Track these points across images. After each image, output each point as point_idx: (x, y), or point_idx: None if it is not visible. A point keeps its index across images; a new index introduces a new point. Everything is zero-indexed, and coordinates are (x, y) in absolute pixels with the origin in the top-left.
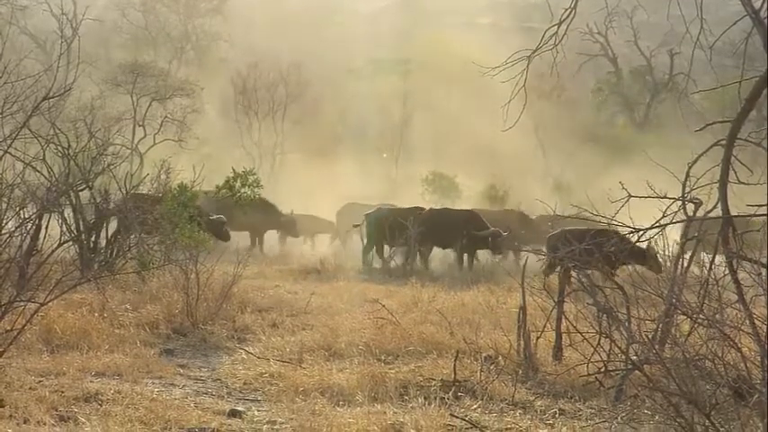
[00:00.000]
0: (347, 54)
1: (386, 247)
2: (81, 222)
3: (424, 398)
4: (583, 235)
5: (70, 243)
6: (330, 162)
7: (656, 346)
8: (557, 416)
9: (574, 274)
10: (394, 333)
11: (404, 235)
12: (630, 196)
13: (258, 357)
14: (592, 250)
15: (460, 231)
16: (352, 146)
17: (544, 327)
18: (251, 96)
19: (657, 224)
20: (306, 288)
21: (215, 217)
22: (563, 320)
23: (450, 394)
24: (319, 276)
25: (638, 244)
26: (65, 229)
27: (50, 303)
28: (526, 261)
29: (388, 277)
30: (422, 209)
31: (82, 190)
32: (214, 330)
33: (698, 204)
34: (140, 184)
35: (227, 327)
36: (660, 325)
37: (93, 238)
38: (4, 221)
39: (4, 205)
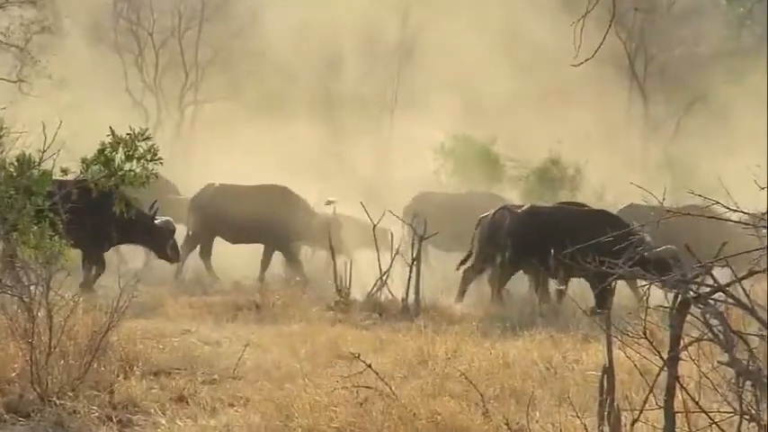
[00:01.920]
0: None
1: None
2: None
3: None
4: None
5: None
6: (277, 117)
7: None
8: None
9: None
10: (387, 413)
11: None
12: None
13: None
14: None
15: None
16: (315, 92)
17: (645, 401)
18: (141, 6)
19: None
20: (236, 335)
21: (160, 221)
22: (678, 391)
23: None
24: (258, 315)
25: None
26: None
27: None
28: (613, 291)
29: (377, 318)
30: (579, 205)
31: None
32: (77, 407)
33: None
34: None
35: (99, 401)
36: None
37: None
38: None
39: None
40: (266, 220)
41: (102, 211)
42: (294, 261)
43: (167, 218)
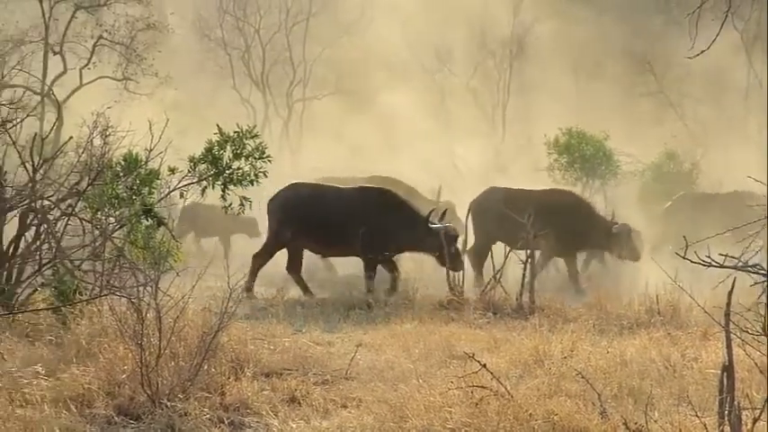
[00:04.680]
0: None
1: None
2: None
3: None
4: None
5: None
6: (386, 113)
7: None
8: None
9: None
10: (503, 413)
11: None
12: None
13: None
14: None
15: None
16: (425, 86)
17: (767, 400)
18: (248, 2)
19: None
20: (348, 335)
21: (439, 226)
22: None
23: None
24: (370, 315)
25: None
26: None
27: None
28: (734, 284)
29: (491, 316)
30: None
31: None
32: (188, 409)
33: None
34: (59, 153)
35: (210, 403)
36: None
37: None
38: None
39: None
40: (557, 227)
41: (380, 217)
42: (576, 271)
43: (449, 224)
